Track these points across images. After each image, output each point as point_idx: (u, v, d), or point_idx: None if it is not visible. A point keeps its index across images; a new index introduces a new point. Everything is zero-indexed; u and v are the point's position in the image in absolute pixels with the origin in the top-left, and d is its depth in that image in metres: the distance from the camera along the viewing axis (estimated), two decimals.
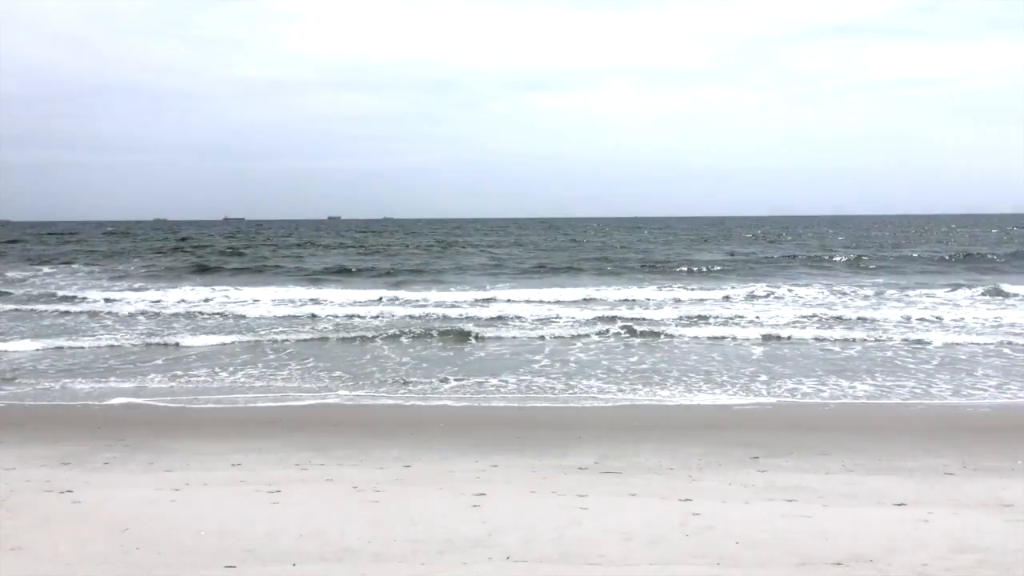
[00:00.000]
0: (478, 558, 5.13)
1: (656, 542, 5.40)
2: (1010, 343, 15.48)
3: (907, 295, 23.70)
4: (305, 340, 16.57)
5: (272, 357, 14.61)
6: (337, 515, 5.99)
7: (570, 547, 5.32)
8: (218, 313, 20.84)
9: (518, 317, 19.55)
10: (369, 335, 16.97)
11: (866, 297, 23.44)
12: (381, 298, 23.87)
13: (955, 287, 25.36)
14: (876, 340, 16.00)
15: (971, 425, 9.61)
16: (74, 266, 37.59)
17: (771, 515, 5.99)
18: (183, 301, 23.29)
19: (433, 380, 12.50)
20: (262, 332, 17.49)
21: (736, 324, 18.29)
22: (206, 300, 23.62)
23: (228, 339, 16.51)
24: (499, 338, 16.70)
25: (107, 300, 23.66)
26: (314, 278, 31.75)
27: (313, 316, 20.29)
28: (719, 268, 34.76)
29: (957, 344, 15.46)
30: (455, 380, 12.49)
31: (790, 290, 25.03)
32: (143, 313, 21.01)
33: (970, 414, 10.22)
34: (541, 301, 22.82)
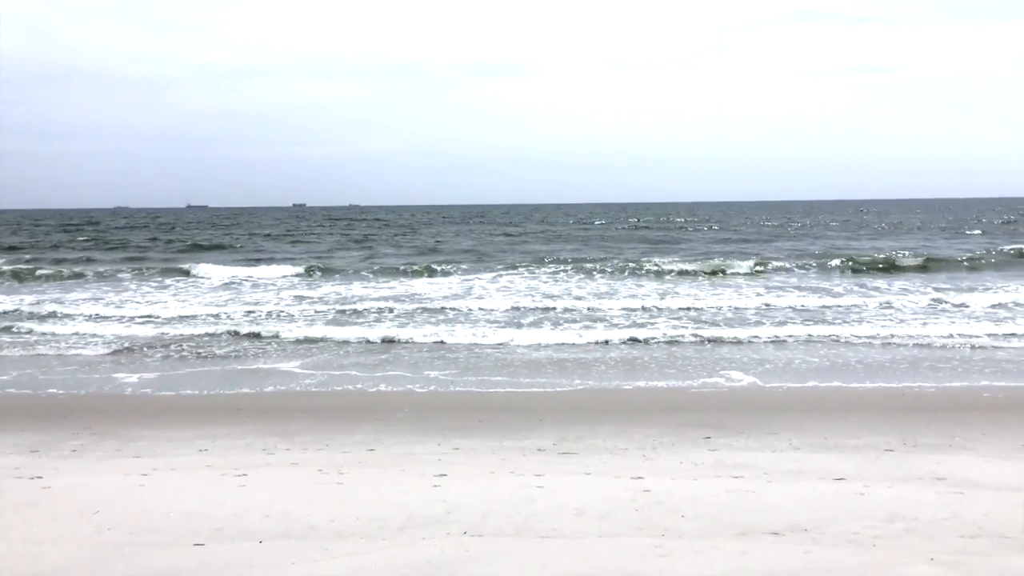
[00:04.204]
0: (437, 533, 5.39)
1: (606, 516, 5.69)
2: None
3: None
4: None
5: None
6: (302, 496, 6.22)
7: (525, 522, 5.59)
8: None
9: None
10: None
11: None
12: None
13: None
14: None
15: (915, 404, 10.02)
16: None
17: (717, 490, 6.32)
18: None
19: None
20: None
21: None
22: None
23: None
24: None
25: None
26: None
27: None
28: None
29: None
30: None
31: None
32: None
33: (916, 393, 10.65)
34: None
